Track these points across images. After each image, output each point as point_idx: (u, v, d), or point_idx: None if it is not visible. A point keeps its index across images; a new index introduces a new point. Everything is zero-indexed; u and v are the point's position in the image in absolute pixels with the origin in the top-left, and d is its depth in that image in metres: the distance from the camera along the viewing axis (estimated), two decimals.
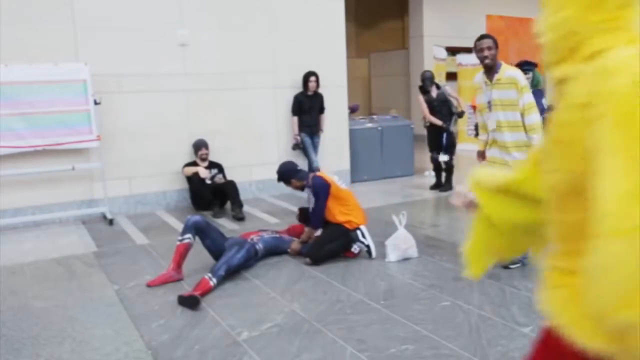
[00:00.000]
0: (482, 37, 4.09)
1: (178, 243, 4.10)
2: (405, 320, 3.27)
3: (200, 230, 4.18)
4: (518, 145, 3.98)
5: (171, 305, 3.60)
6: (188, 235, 4.10)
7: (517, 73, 4.02)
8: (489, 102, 4.06)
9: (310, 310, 3.47)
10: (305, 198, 5.54)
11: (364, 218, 4.59)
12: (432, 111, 7.22)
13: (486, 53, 3.97)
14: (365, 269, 4.25)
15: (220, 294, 3.79)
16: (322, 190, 4.38)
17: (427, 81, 7.30)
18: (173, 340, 3.11)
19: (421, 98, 7.37)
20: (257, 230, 4.68)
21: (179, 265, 4.06)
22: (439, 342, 2.98)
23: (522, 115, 3.94)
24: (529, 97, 3.95)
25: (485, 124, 4.22)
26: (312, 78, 7.10)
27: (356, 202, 4.63)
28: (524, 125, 3.94)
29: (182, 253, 4.07)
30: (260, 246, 4.37)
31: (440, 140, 7.24)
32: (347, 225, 4.46)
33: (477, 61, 11.41)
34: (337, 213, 4.46)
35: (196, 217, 4.22)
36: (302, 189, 4.67)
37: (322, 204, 4.40)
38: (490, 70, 4.03)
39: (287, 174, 4.60)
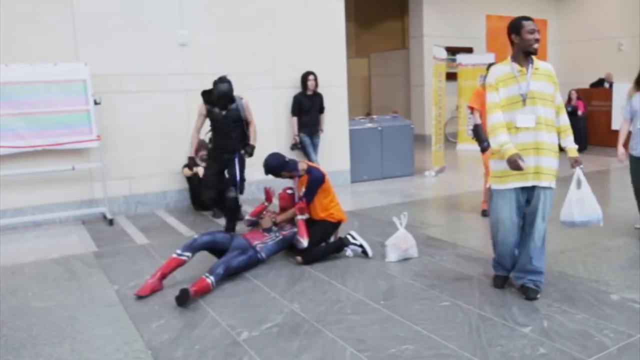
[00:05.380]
0: (527, 17, 3.45)
1: (175, 256, 3.95)
2: (405, 320, 3.27)
3: (208, 249, 4.16)
4: (553, 149, 3.43)
5: (171, 305, 3.60)
6: (188, 254, 3.97)
7: (551, 66, 3.54)
8: (522, 95, 3.38)
9: (310, 310, 3.47)
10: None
11: (343, 213, 4.74)
12: (220, 132, 5.24)
13: (538, 36, 3.39)
14: (365, 269, 4.25)
15: (220, 294, 3.79)
16: (316, 183, 4.48)
17: (223, 99, 5.10)
18: (173, 340, 3.11)
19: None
20: (262, 233, 4.48)
21: (164, 276, 3.93)
22: (439, 342, 2.98)
23: (557, 114, 3.48)
24: (560, 96, 3.53)
25: (512, 122, 3.41)
26: (311, 77, 7.11)
27: (336, 197, 4.76)
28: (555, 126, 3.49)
29: (173, 268, 3.95)
30: (262, 255, 4.32)
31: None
32: (329, 219, 4.60)
33: (477, 61, 11.14)
34: (319, 208, 4.57)
35: (205, 238, 4.11)
36: (291, 177, 4.68)
37: (312, 195, 4.51)
38: (529, 57, 3.46)
39: (277, 167, 4.53)
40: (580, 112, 10.88)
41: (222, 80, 5.10)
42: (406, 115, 12.58)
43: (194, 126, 5.35)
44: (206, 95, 5.21)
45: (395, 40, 15.95)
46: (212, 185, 5.21)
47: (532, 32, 3.38)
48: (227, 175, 5.29)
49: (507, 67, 3.48)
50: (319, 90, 7.26)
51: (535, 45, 3.39)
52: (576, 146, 3.51)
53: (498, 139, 3.38)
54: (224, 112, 5.14)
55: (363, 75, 15.71)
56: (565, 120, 3.52)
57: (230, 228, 5.21)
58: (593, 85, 12.36)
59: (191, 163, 5.45)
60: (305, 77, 7.13)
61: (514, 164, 3.27)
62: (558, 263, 4.23)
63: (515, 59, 3.47)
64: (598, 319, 3.20)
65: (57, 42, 5.94)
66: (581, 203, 3.45)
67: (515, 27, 3.44)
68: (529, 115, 3.38)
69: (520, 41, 3.41)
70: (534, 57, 3.46)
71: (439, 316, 3.32)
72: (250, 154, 5.34)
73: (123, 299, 3.76)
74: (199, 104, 5.28)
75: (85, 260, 4.71)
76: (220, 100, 5.10)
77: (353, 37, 14.71)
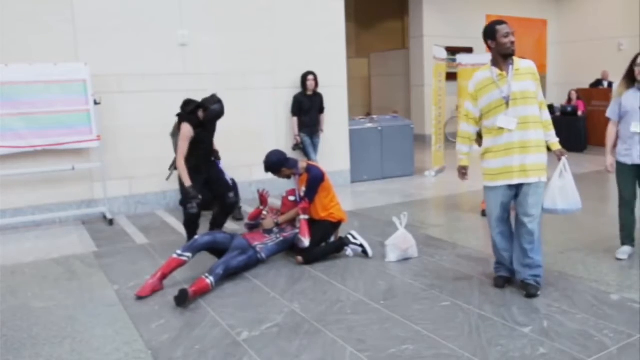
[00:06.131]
0: (502, 22, 3.51)
1: (175, 256, 3.94)
2: (405, 320, 3.27)
3: (208, 249, 4.15)
4: (539, 145, 3.49)
5: (171, 305, 3.60)
6: (188, 254, 3.96)
7: (533, 63, 3.57)
8: (505, 97, 3.45)
9: (310, 310, 3.47)
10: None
11: (343, 213, 4.74)
12: (205, 151, 4.97)
13: (513, 38, 3.43)
14: (365, 269, 4.25)
15: (220, 294, 3.79)
16: (316, 181, 4.48)
17: (216, 120, 4.84)
18: (173, 340, 3.11)
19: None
20: (263, 234, 4.49)
21: (164, 277, 3.93)
22: (439, 342, 2.98)
23: (539, 109, 3.54)
24: (542, 93, 3.60)
25: (495, 124, 3.51)
26: (310, 77, 7.12)
27: (336, 196, 4.74)
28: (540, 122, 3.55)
29: (174, 268, 3.95)
30: (262, 255, 4.33)
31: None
32: (330, 219, 4.60)
33: (477, 61, 11.17)
34: (320, 207, 4.56)
35: (205, 238, 4.09)
36: (289, 177, 4.68)
37: (313, 194, 4.50)
38: (508, 60, 3.50)
39: (278, 164, 4.51)
40: (580, 112, 10.88)
41: (216, 100, 4.71)
42: (406, 115, 12.58)
43: (181, 154, 4.68)
44: (194, 118, 4.71)
45: (395, 40, 15.96)
46: (197, 196, 4.75)
47: (507, 35, 3.45)
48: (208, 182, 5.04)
49: (487, 72, 3.57)
50: (319, 90, 7.27)
51: (512, 48, 3.46)
52: (557, 139, 3.63)
53: (459, 147, 3.80)
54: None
55: (363, 75, 15.71)
56: (546, 116, 3.62)
57: (220, 225, 5.17)
58: (592, 86, 12.36)
59: (196, 195, 4.69)
60: (305, 77, 7.14)
61: (459, 175, 3.81)
62: (558, 263, 4.23)
63: (494, 63, 3.55)
64: (598, 319, 3.20)
65: (57, 42, 5.94)
66: (564, 192, 3.55)
67: (490, 32, 3.51)
68: (511, 117, 3.45)
69: (497, 46, 3.49)
70: (514, 57, 3.53)
71: (439, 316, 3.32)
72: (219, 158, 5.21)
73: (123, 299, 3.76)
74: (186, 129, 4.66)
75: (85, 260, 4.71)
76: (212, 121, 4.80)
77: (353, 37, 14.72)
